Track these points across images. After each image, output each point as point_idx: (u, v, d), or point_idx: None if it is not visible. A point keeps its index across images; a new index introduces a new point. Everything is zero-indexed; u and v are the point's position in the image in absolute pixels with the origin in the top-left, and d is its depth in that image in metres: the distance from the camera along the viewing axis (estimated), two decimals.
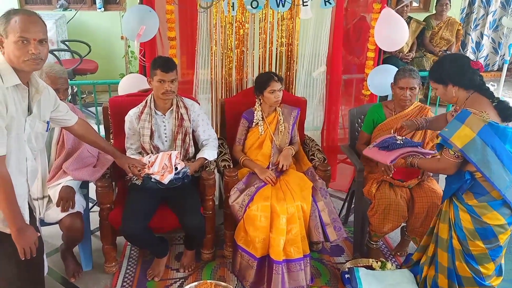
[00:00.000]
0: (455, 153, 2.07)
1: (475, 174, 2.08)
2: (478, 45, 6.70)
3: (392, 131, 2.55)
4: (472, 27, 6.53)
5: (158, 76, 2.51)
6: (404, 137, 2.50)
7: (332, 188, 3.55)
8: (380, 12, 3.26)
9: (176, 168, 2.49)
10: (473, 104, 2.09)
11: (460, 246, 2.18)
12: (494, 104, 2.09)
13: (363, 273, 2.49)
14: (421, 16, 5.51)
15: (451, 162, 2.11)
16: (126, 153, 2.69)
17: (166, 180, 2.44)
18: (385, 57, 4.64)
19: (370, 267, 2.58)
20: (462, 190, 2.14)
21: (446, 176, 2.26)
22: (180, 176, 2.50)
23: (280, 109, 2.87)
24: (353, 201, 3.11)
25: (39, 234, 1.88)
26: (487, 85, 2.18)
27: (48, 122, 1.93)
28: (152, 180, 2.45)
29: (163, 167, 2.49)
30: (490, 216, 2.09)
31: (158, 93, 2.56)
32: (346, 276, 2.54)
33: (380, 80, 3.29)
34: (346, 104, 3.90)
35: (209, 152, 2.72)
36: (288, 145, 2.88)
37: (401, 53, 5.05)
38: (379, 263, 2.60)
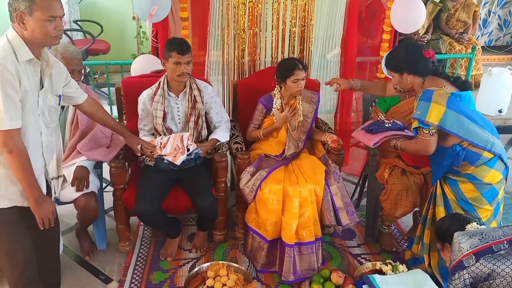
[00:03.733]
0: (429, 131, 2.20)
1: (462, 144, 2.20)
2: (484, 22, 6.78)
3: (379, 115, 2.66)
4: (482, 5, 6.50)
5: (174, 58, 2.49)
6: (392, 121, 2.58)
7: (344, 172, 3.53)
8: None
9: (188, 149, 2.49)
10: (431, 85, 2.25)
11: None
12: (450, 80, 2.28)
13: (381, 280, 2.33)
14: None
15: (427, 141, 2.23)
16: (139, 134, 2.70)
17: (178, 161, 2.44)
18: (400, 39, 4.53)
19: (380, 271, 2.45)
20: (456, 163, 2.24)
21: (432, 159, 2.35)
22: (192, 157, 2.50)
23: (300, 97, 2.78)
24: (366, 185, 3.10)
25: (56, 205, 1.92)
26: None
27: (60, 96, 1.94)
28: (165, 161, 2.46)
29: (175, 148, 2.49)
30: (490, 176, 2.23)
31: (174, 75, 2.54)
32: (363, 286, 2.35)
33: None
34: None
35: (222, 134, 2.71)
36: (309, 134, 2.82)
37: (416, 36, 4.94)
38: (389, 266, 2.45)
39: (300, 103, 2.78)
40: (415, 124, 2.26)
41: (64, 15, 1.80)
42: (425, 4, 4.86)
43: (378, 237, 2.87)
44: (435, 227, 2.20)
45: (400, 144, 2.41)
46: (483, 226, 2.06)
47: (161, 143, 2.50)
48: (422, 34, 5.03)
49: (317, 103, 2.85)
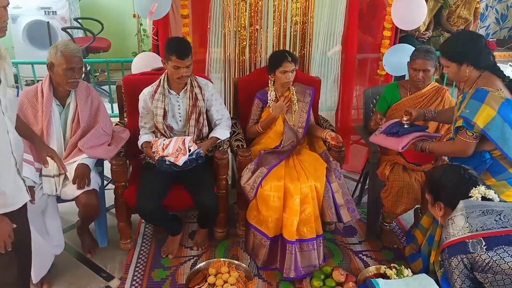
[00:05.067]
0: (473, 134, 2.04)
1: (493, 153, 2.06)
2: (482, 16, 6.85)
3: (403, 115, 2.50)
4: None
5: (173, 62, 2.48)
6: (410, 122, 2.46)
7: (345, 169, 3.53)
8: None
9: (189, 150, 2.49)
10: (486, 83, 2.07)
11: None
12: (505, 82, 2.09)
13: (384, 284, 2.25)
14: None
15: (468, 144, 2.08)
16: (140, 132, 2.70)
17: (180, 161, 2.44)
18: (401, 36, 4.53)
19: (384, 275, 2.39)
20: (479, 170, 2.09)
21: (454, 159, 2.23)
22: (194, 157, 2.50)
23: (293, 88, 2.83)
24: (367, 182, 3.10)
25: (14, 226, 1.71)
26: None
27: (17, 87, 1.83)
28: (167, 162, 2.45)
29: (177, 149, 2.49)
30: (508, 193, 2.08)
31: (173, 77, 2.55)
32: None
33: (396, 59, 3.24)
34: (361, 84, 3.84)
35: (221, 132, 2.71)
36: (304, 127, 2.82)
37: (417, 32, 4.93)
38: (393, 270, 2.38)
39: (294, 94, 2.82)
40: (459, 122, 2.11)
41: (8, 4, 1.65)
42: (426, 1, 4.85)
43: (379, 234, 2.87)
44: (429, 175, 2.00)
45: (428, 146, 2.29)
46: (495, 200, 1.71)
47: (163, 145, 2.50)
48: (423, 31, 5.02)
49: (311, 95, 2.87)
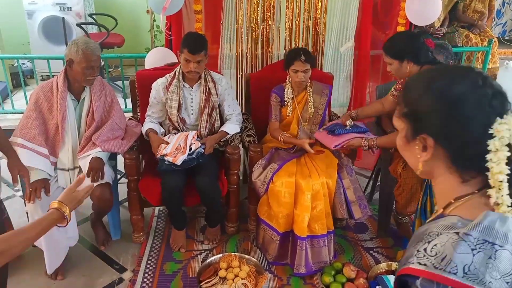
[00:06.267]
0: None
1: None
2: (498, 12, 6.77)
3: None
4: None
5: (185, 54, 2.51)
6: (353, 123, 2.58)
7: (357, 166, 3.52)
8: None
9: (190, 149, 2.49)
10: None
11: None
12: None
13: None
14: None
15: None
16: (145, 120, 2.72)
17: (178, 161, 2.44)
18: (416, 32, 4.51)
19: (395, 272, 2.41)
20: None
21: None
22: (194, 156, 2.49)
23: (310, 89, 2.76)
24: (378, 179, 3.09)
25: None
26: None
27: None
28: (166, 162, 2.47)
29: (176, 148, 2.50)
30: None
31: (184, 69, 2.58)
32: (377, 287, 2.30)
33: None
34: (374, 80, 3.82)
35: (231, 126, 2.72)
36: (321, 127, 2.76)
37: (432, 28, 4.88)
38: None
39: (311, 95, 2.76)
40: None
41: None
42: None
43: (391, 230, 2.85)
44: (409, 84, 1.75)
45: (376, 142, 2.41)
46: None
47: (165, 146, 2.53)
48: (438, 27, 4.96)
49: (328, 95, 2.83)
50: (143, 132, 2.69)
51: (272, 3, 3.19)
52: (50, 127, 2.44)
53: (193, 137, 2.54)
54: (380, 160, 3.02)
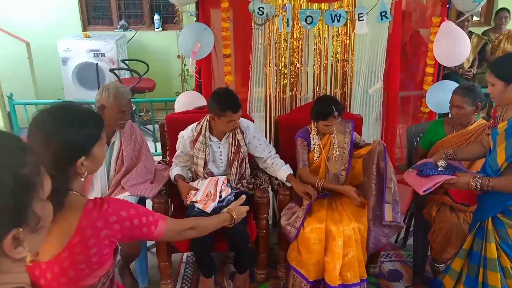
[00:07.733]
0: None
1: None
2: None
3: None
4: None
5: (228, 117, 2.45)
6: (445, 163, 2.27)
7: None
8: (439, 26, 3.14)
9: (220, 196, 2.46)
10: None
11: (509, 263, 2.05)
12: None
13: None
14: (481, 31, 5.27)
15: None
16: (173, 165, 2.72)
17: (209, 209, 2.40)
18: (445, 73, 4.43)
19: None
20: None
21: (494, 195, 2.07)
22: (224, 204, 2.43)
23: (334, 130, 2.70)
24: (412, 223, 2.97)
25: None
26: None
27: None
28: (196, 209, 2.44)
29: (207, 194, 2.47)
30: None
31: (225, 129, 2.55)
32: None
33: (440, 96, 3.15)
34: (404, 122, 3.76)
35: (286, 168, 2.67)
36: (347, 169, 2.69)
37: (461, 69, 4.82)
38: None
39: (335, 137, 2.71)
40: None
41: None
42: (470, 37, 4.77)
43: (427, 278, 2.71)
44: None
45: (493, 183, 2.03)
46: None
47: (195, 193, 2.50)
48: (467, 68, 4.90)
49: (351, 132, 2.75)
50: (171, 177, 2.69)
51: (300, 46, 3.23)
52: None
53: (223, 183, 2.51)
54: (413, 204, 2.91)
